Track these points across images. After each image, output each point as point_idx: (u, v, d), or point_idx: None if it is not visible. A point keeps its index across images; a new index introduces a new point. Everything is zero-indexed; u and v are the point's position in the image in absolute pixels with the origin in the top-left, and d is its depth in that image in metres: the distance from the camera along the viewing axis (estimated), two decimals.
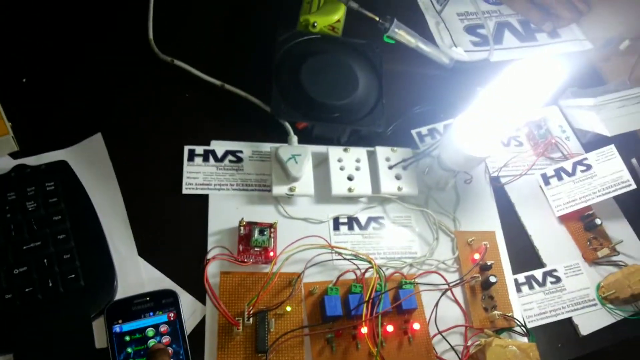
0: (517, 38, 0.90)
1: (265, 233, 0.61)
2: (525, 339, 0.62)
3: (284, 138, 0.68)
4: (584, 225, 0.72)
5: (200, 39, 0.77)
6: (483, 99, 0.64)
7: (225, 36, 0.78)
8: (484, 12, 0.92)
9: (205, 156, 0.67)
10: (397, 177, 0.69)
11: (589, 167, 0.73)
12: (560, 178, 0.74)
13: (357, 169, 0.68)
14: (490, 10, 0.93)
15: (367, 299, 0.58)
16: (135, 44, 0.73)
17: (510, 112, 0.65)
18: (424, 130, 0.76)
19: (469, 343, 0.60)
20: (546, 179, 0.74)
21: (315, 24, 0.77)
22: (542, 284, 0.67)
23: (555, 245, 0.71)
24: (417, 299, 0.61)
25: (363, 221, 0.67)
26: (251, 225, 0.61)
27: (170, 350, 0.53)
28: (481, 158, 0.64)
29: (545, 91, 0.63)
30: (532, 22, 0.93)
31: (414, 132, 0.76)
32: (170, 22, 0.76)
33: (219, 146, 0.68)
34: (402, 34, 0.80)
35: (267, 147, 0.69)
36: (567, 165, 0.75)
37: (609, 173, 0.72)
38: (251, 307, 0.55)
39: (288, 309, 0.58)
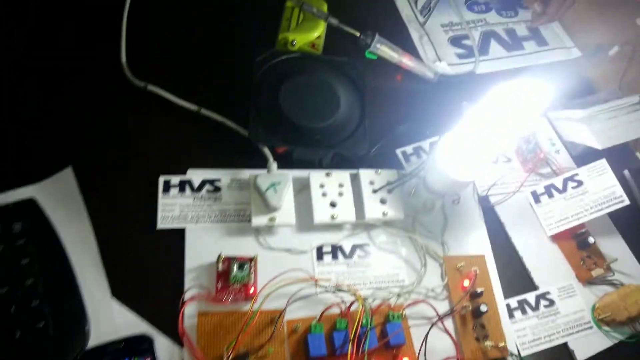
0: (504, 47, 0.88)
1: (245, 268, 0.58)
2: None
3: (264, 163, 0.66)
4: (577, 244, 0.70)
5: (175, 62, 0.74)
6: (467, 120, 0.62)
7: (201, 58, 0.75)
8: (468, 22, 0.89)
9: (182, 186, 0.64)
10: (382, 201, 0.66)
11: (580, 183, 0.71)
12: (551, 195, 0.72)
13: (340, 194, 0.66)
14: (476, 19, 0.90)
15: (352, 336, 0.55)
16: (107, 68, 0.71)
17: (496, 134, 0.62)
18: (409, 149, 0.73)
19: None
20: (536, 197, 0.72)
21: (294, 42, 0.74)
22: (536, 308, 0.65)
23: (548, 266, 0.69)
24: (406, 333, 0.59)
25: (347, 249, 0.64)
26: (230, 260, 0.59)
27: None
28: (468, 182, 0.61)
29: (531, 112, 0.61)
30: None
31: (399, 151, 0.73)
32: (143, 45, 0.73)
33: (196, 175, 0.65)
34: (384, 50, 0.78)
35: (246, 173, 0.66)
36: (558, 181, 0.72)
37: (601, 189, 0.70)
38: (231, 351, 0.53)
39: (270, 350, 0.55)
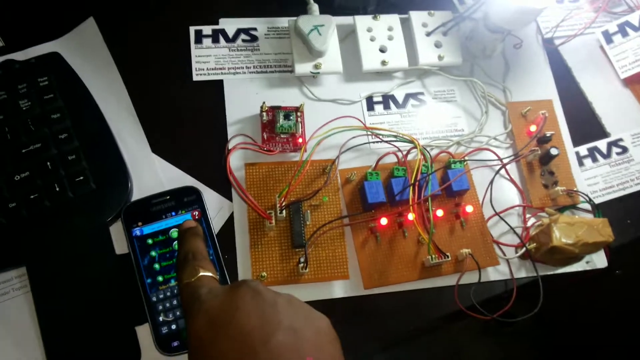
0: None
1: (291, 117, 0.53)
2: (590, 217, 0.56)
3: (301, 11, 0.59)
4: None
5: None
6: None
7: None
8: None
9: (215, 37, 0.58)
10: (437, 45, 0.59)
11: None
12: (625, 34, 0.64)
13: (390, 38, 0.59)
14: None
15: (412, 181, 0.51)
16: None
17: None
18: None
19: (529, 224, 0.54)
20: (608, 37, 0.64)
21: None
22: (607, 155, 0.60)
23: (619, 111, 0.62)
24: (469, 179, 0.54)
25: (400, 99, 0.59)
26: (274, 110, 0.54)
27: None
28: (537, 10, 0.54)
29: None
30: None
31: None
32: None
33: (229, 24, 0.59)
34: None
35: (284, 21, 0.60)
36: (634, 18, 0.64)
37: None
38: (283, 199, 0.49)
39: (325, 199, 0.51)
